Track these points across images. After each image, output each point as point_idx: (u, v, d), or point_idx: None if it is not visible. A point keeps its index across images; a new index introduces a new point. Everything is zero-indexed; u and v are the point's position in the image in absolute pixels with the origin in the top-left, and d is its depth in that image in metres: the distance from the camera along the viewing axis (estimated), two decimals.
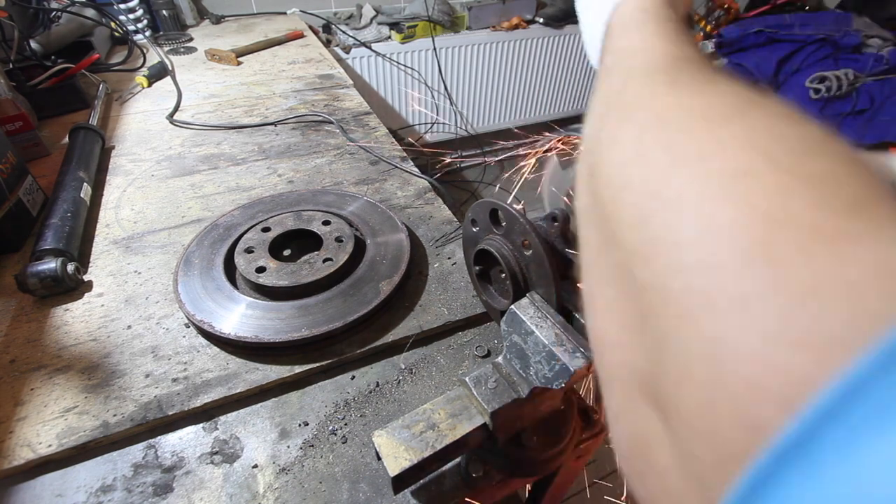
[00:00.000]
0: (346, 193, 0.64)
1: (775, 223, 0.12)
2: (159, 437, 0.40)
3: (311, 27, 1.57)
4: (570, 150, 0.38)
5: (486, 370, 0.35)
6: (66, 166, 0.65)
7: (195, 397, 0.42)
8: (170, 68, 1.07)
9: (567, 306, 0.33)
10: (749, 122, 0.15)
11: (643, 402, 0.15)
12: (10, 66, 0.89)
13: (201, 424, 0.41)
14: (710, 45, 1.83)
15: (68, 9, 1.09)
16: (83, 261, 0.56)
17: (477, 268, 0.43)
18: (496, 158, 2.46)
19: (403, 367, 0.46)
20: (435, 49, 1.92)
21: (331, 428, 0.41)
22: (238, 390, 0.42)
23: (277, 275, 0.49)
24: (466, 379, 0.34)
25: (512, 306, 0.34)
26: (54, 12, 1.07)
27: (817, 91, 1.56)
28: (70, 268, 0.51)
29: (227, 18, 1.56)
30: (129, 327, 0.48)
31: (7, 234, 0.57)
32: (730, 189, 0.13)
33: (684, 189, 0.14)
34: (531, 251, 0.34)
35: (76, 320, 0.49)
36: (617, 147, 0.19)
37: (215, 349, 0.46)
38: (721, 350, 0.11)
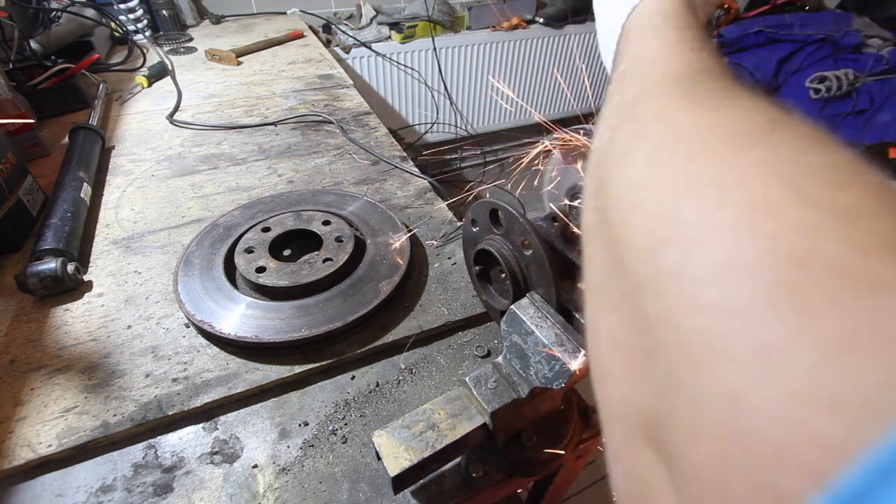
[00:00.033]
0: (346, 193, 0.64)
1: (801, 264, 0.10)
2: (159, 437, 0.40)
3: (311, 27, 1.57)
4: (573, 149, 0.38)
5: (486, 370, 0.35)
6: (66, 166, 0.65)
7: (195, 397, 0.42)
8: (170, 68, 1.07)
9: (567, 306, 0.33)
10: (773, 146, 0.13)
11: (646, 445, 0.14)
12: (10, 66, 0.89)
13: (201, 424, 0.41)
14: None
15: (68, 9, 1.09)
16: (83, 261, 0.56)
17: (477, 268, 0.43)
18: (496, 158, 2.46)
19: (403, 367, 0.46)
20: (435, 49, 1.92)
21: (331, 428, 0.41)
22: (238, 390, 0.42)
23: (277, 275, 0.49)
24: (466, 379, 0.34)
25: (512, 306, 0.34)
26: (54, 12, 1.07)
27: (817, 91, 1.56)
28: (70, 268, 0.51)
29: (227, 18, 1.56)
30: (129, 327, 0.48)
31: (7, 234, 0.57)
32: (751, 222, 0.12)
33: (701, 218, 0.13)
34: (531, 251, 0.34)
35: (76, 320, 0.49)
36: (628, 164, 0.17)
37: (215, 349, 0.46)
38: (740, 406, 0.10)
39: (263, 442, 0.40)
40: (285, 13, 1.69)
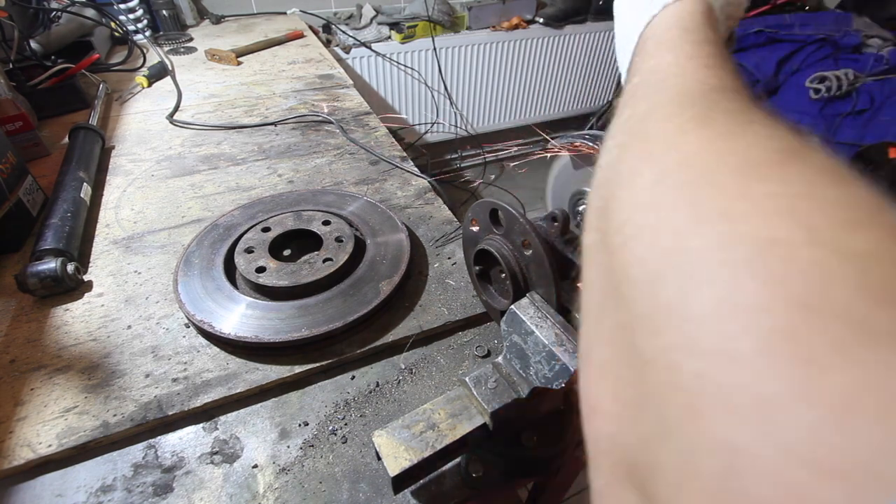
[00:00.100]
0: (346, 193, 0.64)
1: (809, 311, 0.10)
2: (159, 437, 0.40)
3: (311, 27, 1.57)
4: (582, 153, 0.38)
5: (486, 370, 0.35)
6: (66, 166, 0.65)
7: (195, 397, 0.42)
8: (170, 68, 1.07)
9: (567, 306, 0.33)
10: (787, 179, 0.13)
11: (631, 488, 0.13)
12: (10, 66, 0.89)
13: (201, 424, 0.41)
14: None
15: (68, 9, 1.09)
16: (83, 261, 0.56)
17: (477, 268, 0.43)
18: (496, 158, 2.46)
19: (403, 367, 0.46)
20: (435, 49, 1.92)
21: (331, 428, 0.41)
22: (238, 390, 0.42)
23: (277, 275, 0.49)
24: (466, 379, 0.34)
25: (512, 306, 0.34)
26: (54, 12, 1.07)
27: (817, 91, 1.56)
28: (70, 268, 0.51)
29: (227, 18, 1.56)
30: (129, 327, 0.48)
31: (7, 234, 0.57)
32: (757, 261, 0.11)
33: (704, 253, 0.12)
34: (531, 251, 0.34)
35: (76, 320, 0.49)
36: (633, 187, 0.17)
37: (215, 349, 0.46)
38: (735, 462, 0.09)
39: (263, 442, 0.40)
40: (285, 13, 1.69)
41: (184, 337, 0.47)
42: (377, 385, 0.45)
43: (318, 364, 0.45)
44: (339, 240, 0.54)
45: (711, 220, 0.13)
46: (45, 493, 0.37)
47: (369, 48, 1.80)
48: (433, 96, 2.08)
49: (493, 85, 2.19)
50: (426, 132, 2.17)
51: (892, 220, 0.11)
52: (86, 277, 0.54)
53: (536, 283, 0.35)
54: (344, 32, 1.76)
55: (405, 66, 1.92)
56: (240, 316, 0.46)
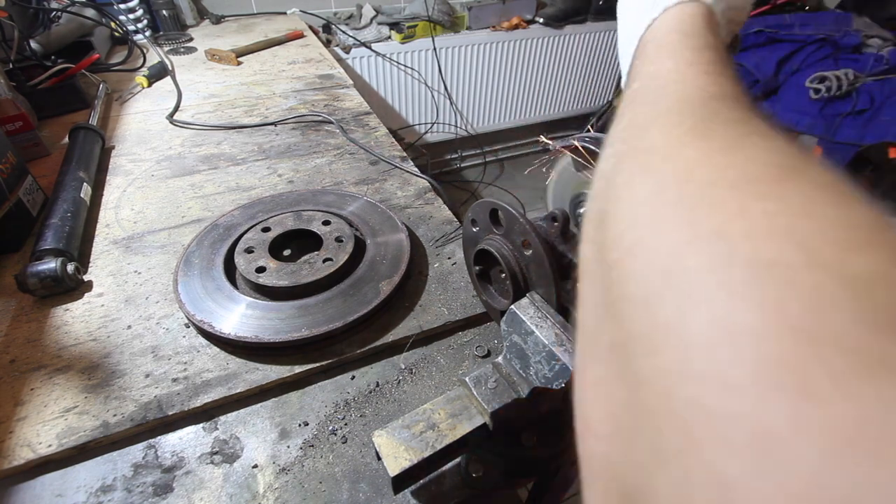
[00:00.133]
0: (346, 193, 0.64)
1: (808, 339, 0.09)
2: (159, 437, 0.40)
3: (311, 27, 1.57)
4: (585, 155, 0.38)
5: (486, 370, 0.35)
6: (66, 166, 0.65)
7: (195, 397, 0.42)
8: (170, 68, 1.07)
9: (567, 306, 0.33)
10: (787, 196, 0.12)
11: None
12: (10, 66, 0.89)
13: (201, 424, 0.41)
14: None
15: (68, 9, 1.09)
16: (83, 261, 0.56)
17: (477, 268, 0.43)
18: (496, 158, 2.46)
19: (403, 367, 0.46)
20: (435, 49, 1.92)
21: (331, 428, 0.41)
22: (238, 390, 0.42)
23: (277, 275, 0.49)
24: (466, 379, 0.34)
25: (512, 306, 0.34)
26: (54, 12, 1.07)
27: (817, 91, 1.56)
28: (70, 268, 0.51)
29: (227, 18, 1.56)
30: (129, 327, 0.48)
31: (7, 234, 0.57)
32: (754, 284, 0.11)
33: (701, 274, 0.12)
34: (531, 251, 0.34)
35: (76, 320, 0.49)
36: (629, 199, 0.16)
37: (215, 349, 0.46)
38: (730, 495, 0.09)
39: (263, 442, 0.40)
40: (285, 13, 1.69)
41: (184, 337, 0.47)
42: (377, 385, 0.45)
43: (318, 364, 0.45)
44: (339, 240, 0.54)
45: (708, 238, 0.12)
46: (45, 493, 0.37)
47: (369, 48, 1.80)
48: (433, 96, 2.08)
49: (493, 85, 2.19)
50: (426, 132, 2.17)
51: (894, 242, 0.11)
52: (86, 277, 0.54)
53: (536, 283, 0.35)
54: (344, 32, 1.76)
55: (405, 66, 1.92)
56: (240, 316, 0.46)
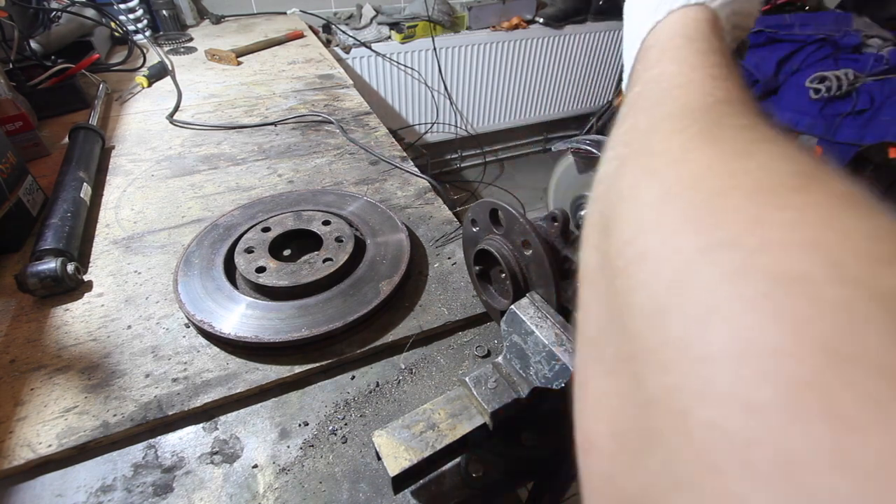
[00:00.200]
0: (346, 193, 0.64)
1: (839, 360, 0.09)
2: (159, 437, 0.40)
3: (311, 27, 1.57)
4: (587, 155, 0.38)
5: (486, 370, 0.35)
6: (66, 166, 0.65)
7: (195, 397, 0.42)
8: (170, 68, 1.07)
9: (567, 306, 0.33)
10: (805, 206, 0.11)
11: None
12: (10, 66, 0.89)
13: (201, 424, 0.41)
14: None
15: (68, 9, 1.09)
16: (83, 261, 0.56)
17: (477, 268, 0.43)
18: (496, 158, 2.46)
19: (403, 367, 0.46)
20: (435, 49, 1.92)
21: (331, 428, 0.41)
22: (238, 390, 0.42)
23: (277, 275, 0.49)
24: (466, 379, 0.34)
25: (512, 306, 0.34)
26: (54, 12, 1.07)
27: (817, 91, 1.56)
28: (70, 268, 0.51)
29: (227, 18, 1.56)
30: (129, 327, 0.48)
31: (7, 234, 0.57)
32: (777, 298, 0.10)
33: (717, 286, 0.11)
34: (531, 251, 0.34)
35: (76, 320, 0.49)
36: (636, 204, 0.15)
37: (215, 349, 0.46)
38: None
39: (263, 442, 0.40)
40: (285, 13, 1.69)
41: (184, 337, 0.47)
42: (377, 385, 0.45)
43: (318, 364, 0.45)
44: (339, 240, 0.54)
45: (724, 248, 0.12)
46: (45, 493, 0.37)
47: (369, 48, 1.80)
48: (433, 96, 2.08)
49: (493, 85, 2.19)
50: (426, 132, 2.17)
51: None
52: (86, 277, 0.54)
53: (536, 283, 0.35)
54: (344, 32, 1.76)
55: (405, 66, 1.92)
56: (240, 316, 0.46)
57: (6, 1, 0.92)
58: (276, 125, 0.87)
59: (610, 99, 2.45)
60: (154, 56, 1.14)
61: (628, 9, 0.30)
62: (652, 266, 0.13)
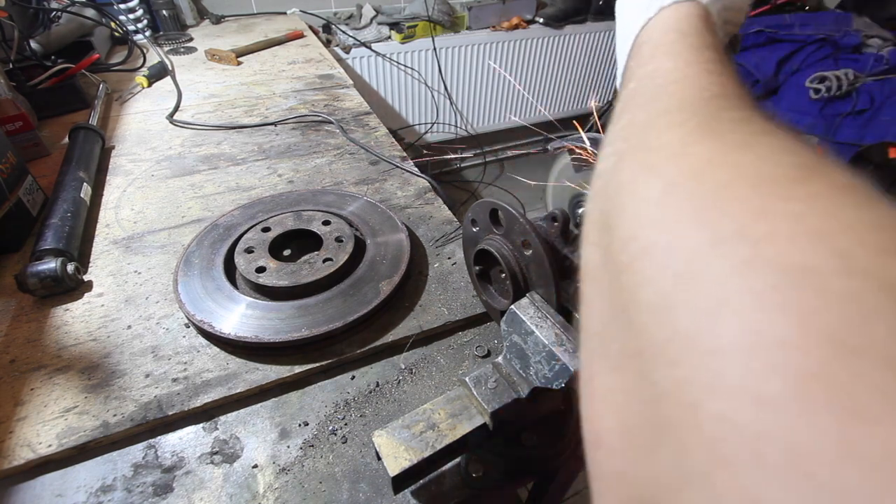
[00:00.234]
0: (346, 193, 0.64)
1: (850, 352, 0.09)
2: (159, 437, 0.40)
3: (311, 27, 1.57)
4: (585, 154, 0.38)
5: (486, 370, 0.35)
6: (66, 166, 0.65)
7: (195, 397, 0.42)
8: (170, 68, 1.07)
9: (567, 306, 0.33)
10: (809, 197, 0.11)
11: None
12: (10, 66, 0.89)
13: (201, 424, 0.41)
14: None
15: (68, 9, 1.09)
16: (83, 261, 0.56)
17: (477, 268, 0.43)
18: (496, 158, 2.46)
19: (403, 367, 0.46)
20: (435, 49, 1.92)
21: (331, 428, 0.41)
22: (238, 390, 0.42)
23: (277, 275, 0.49)
24: (466, 379, 0.34)
25: (512, 306, 0.34)
26: (54, 12, 1.07)
27: (817, 91, 1.56)
28: (70, 268, 0.51)
29: (227, 18, 1.56)
30: (129, 327, 0.48)
31: (7, 234, 0.57)
32: (786, 290, 0.10)
33: (724, 278, 0.11)
34: (531, 251, 0.34)
35: (76, 320, 0.49)
36: (637, 199, 0.15)
37: (215, 349, 0.46)
38: None
39: (263, 442, 0.40)
40: (285, 13, 1.69)
41: (184, 337, 0.47)
42: (377, 385, 0.45)
43: (318, 364, 0.45)
44: (339, 240, 0.54)
45: (730, 240, 0.12)
46: (45, 493, 0.37)
47: (369, 48, 1.80)
48: (433, 96, 2.08)
49: (493, 85, 2.19)
50: (426, 132, 2.17)
51: None
52: (86, 277, 0.54)
53: (536, 283, 0.35)
54: (344, 32, 1.76)
55: (405, 66, 1.92)
56: (240, 316, 0.46)
57: (6, 1, 0.92)
58: (276, 125, 0.87)
59: (610, 99, 2.45)
60: (154, 56, 1.14)
61: (620, 7, 0.30)
62: (658, 260, 0.13)
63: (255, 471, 0.38)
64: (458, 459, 0.38)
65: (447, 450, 0.31)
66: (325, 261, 0.51)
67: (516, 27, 2.02)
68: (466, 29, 2.01)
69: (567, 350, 0.30)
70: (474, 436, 0.32)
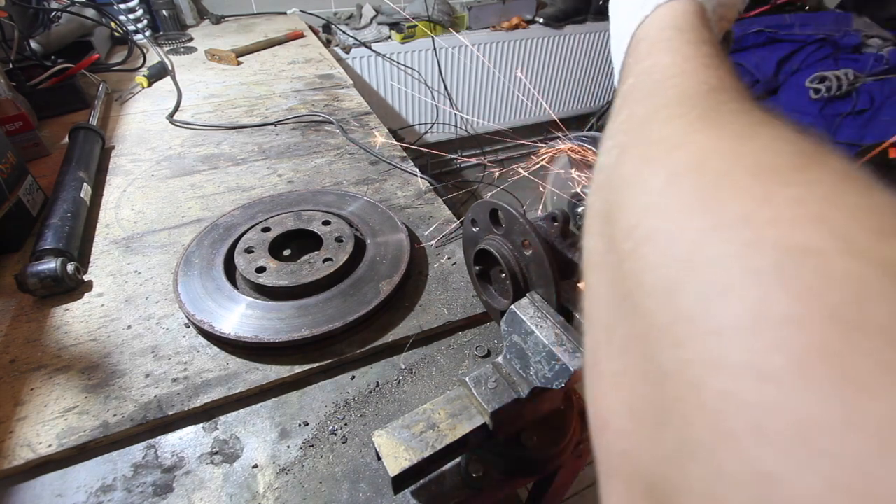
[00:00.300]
0: (346, 193, 0.64)
1: (851, 328, 0.09)
2: (159, 437, 0.40)
3: (311, 27, 1.57)
4: (581, 155, 0.38)
5: (486, 370, 0.35)
6: (66, 166, 0.65)
7: (195, 397, 0.42)
8: (170, 68, 1.07)
9: (567, 306, 0.33)
10: (810, 183, 0.12)
11: None
12: (10, 66, 0.89)
13: (201, 424, 0.41)
14: None
15: (68, 9, 1.09)
16: (83, 261, 0.56)
17: (477, 268, 0.43)
18: (496, 159, 2.46)
19: (403, 367, 0.46)
20: (435, 49, 1.92)
21: (331, 428, 0.41)
22: (238, 390, 0.42)
23: (277, 275, 0.49)
24: (466, 379, 0.34)
25: (512, 306, 0.34)
26: (54, 12, 1.07)
27: (817, 91, 1.56)
28: (70, 268, 0.51)
29: (227, 18, 1.56)
30: (129, 327, 0.48)
31: (7, 234, 0.57)
32: (788, 270, 0.10)
33: (727, 261, 0.11)
34: (531, 251, 0.34)
35: (76, 320, 0.49)
36: (640, 189, 0.16)
37: (215, 349, 0.46)
38: (772, 492, 0.09)
39: (263, 442, 0.40)
40: (285, 13, 1.69)
41: (184, 337, 0.47)
42: (377, 385, 0.45)
43: (318, 364, 0.45)
44: (339, 240, 0.54)
45: (733, 225, 0.12)
46: (45, 493, 0.37)
47: (369, 48, 1.80)
48: (433, 96, 2.07)
49: (493, 85, 2.19)
50: (426, 132, 2.17)
51: None
52: (86, 277, 0.54)
53: (536, 283, 0.35)
54: (344, 32, 1.76)
55: (405, 66, 1.92)
56: (240, 316, 0.46)
57: (6, 1, 0.92)
58: (276, 125, 0.87)
59: (610, 99, 2.45)
60: (154, 56, 1.14)
61: (614, 6, 0.30)
62: (661, 246, 0.13)
63: (255, 471, 0.38)
64: (458, 459, 0.38)
65: (447, 450, 0.31)
66: (325, 261, 0.51)
67: (516, 27, 2.02)
68: (466, 29, 2.01)
69: (567, 350, 0.30)
70: (474, 436, 0.32)
